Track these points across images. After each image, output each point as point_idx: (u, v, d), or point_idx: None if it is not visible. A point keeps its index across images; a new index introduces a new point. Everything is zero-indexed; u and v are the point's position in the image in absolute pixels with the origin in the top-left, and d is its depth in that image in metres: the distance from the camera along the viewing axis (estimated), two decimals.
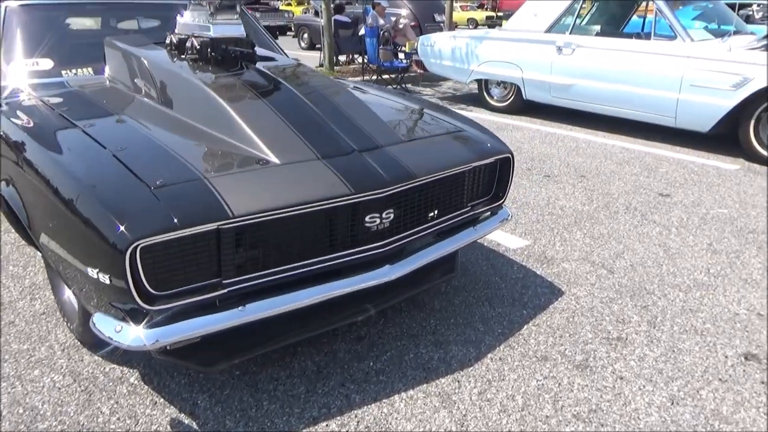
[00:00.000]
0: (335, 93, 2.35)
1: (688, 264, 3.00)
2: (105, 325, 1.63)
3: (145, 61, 2.44)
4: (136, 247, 1.47)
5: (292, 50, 12.65)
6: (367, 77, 8.53)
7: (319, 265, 1.83)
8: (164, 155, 1.82)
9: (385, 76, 8.46)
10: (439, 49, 7.28)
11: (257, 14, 15.72)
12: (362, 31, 8.95)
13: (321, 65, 9.62)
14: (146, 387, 2.00)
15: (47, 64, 2.68)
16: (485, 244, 3.20)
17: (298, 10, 22.57)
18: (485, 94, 6.99)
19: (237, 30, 2.50)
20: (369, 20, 9.57)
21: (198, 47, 2.42)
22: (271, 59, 2.71)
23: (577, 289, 2.73)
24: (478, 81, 6.97)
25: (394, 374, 2.10)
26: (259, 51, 2.71)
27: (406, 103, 2.74)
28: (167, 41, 2.60)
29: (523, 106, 6.61)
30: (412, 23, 10.88)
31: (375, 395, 1.99)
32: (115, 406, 1.91)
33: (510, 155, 2.38)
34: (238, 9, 2.47)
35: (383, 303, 2.19)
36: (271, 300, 1.74)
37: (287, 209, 1.68)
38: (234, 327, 1.73)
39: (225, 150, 1.89)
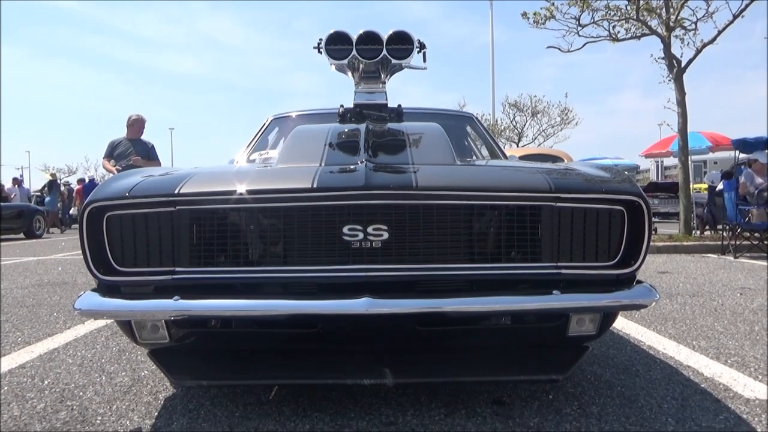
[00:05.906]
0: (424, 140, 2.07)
1: None
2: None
3: None
4: (90, 209, 1.57)
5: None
6: (726, 242, 6.93)
7: (278, 274, 1.56)
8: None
9: (748, 237, 6.71)
10: None
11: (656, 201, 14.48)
12: (720, 186, 7.56)
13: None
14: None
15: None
16: (700, 381, 2.04)
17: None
18: None
19: (378, 97, 2.55)
20: (742, 179, 8.07)
21: (340, 113, 2.57)
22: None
23: None
24: None
25: None
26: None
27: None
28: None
29: None
30: None
31: None
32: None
33: (639, 200, 1.59)
34: (383, 78, 2.54)
35: (411, 376, 1.65)
36: (205, 302, 1.53)
37: (230, 195, 1.53)
38: (217, 351, 1.63)
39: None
